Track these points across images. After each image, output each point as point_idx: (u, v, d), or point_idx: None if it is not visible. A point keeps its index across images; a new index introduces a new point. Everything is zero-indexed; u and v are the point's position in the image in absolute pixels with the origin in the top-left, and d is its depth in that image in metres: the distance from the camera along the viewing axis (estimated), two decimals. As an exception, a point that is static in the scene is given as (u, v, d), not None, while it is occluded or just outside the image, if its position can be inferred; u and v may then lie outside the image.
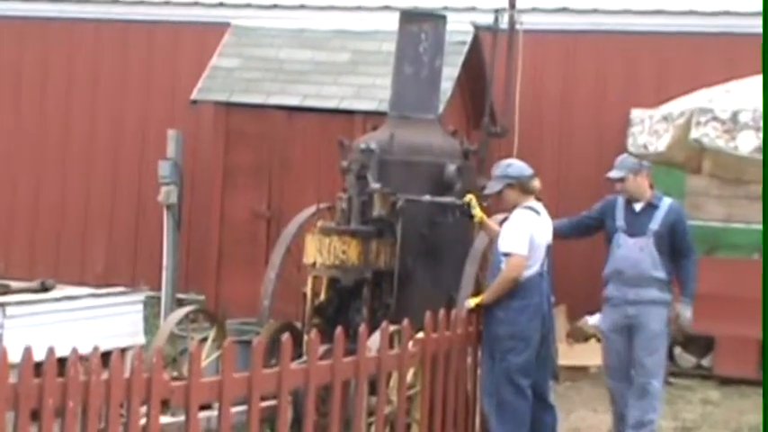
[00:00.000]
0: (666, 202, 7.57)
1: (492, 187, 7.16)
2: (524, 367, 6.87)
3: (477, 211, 7.35)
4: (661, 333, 7.46)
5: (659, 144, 10.49)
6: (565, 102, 12.11)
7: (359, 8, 12.41)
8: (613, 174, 7.61)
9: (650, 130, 10.67)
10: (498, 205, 7.69)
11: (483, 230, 7.48)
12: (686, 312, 7.45)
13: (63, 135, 13.11)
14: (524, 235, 6.91)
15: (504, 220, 7.26)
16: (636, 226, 7.52)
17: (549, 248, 7.11)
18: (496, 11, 10.73)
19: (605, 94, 11.96)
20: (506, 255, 6.92)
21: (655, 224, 7.48)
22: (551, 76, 12.12)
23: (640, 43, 11.90)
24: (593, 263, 11.51)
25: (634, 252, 7.48)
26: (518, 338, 6.87)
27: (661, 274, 7.43)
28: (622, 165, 7.63)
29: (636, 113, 11.06)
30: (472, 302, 7.02)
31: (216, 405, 5.40)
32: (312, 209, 8.08)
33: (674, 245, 7.49)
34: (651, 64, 11.86)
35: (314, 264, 7.43)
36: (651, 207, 7.54)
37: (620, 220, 7.58)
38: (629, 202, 7.59)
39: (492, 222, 7.44)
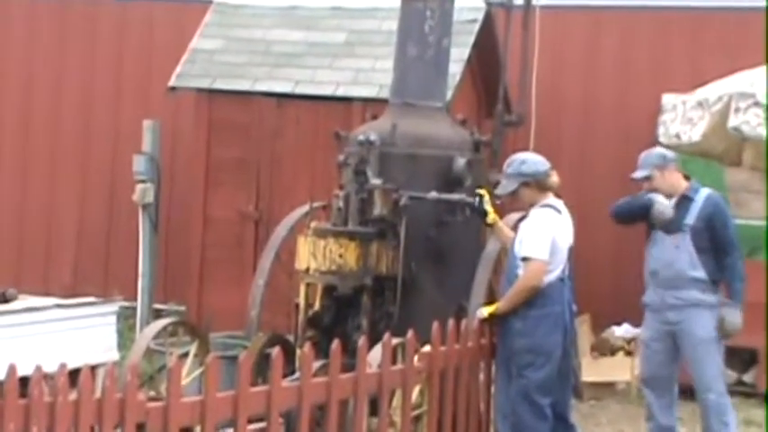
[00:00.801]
0: (703, 193, 7.61)
1: (505, 187, 7.17)
2: (544, 384, 6.89)
3: (491, 211, 7.36)
4: (709, 340, 7.47)
5: (693, 133, 10.51)
6: (588, 86, 12.11)
7: (356, -17, 12.44)
8: (638, 174, 7.66)
9: (684, 117, 10.69)
10: (513, 203, 7.70)
11: (495, 234, 7.50)
12: (733, 317, 7.47)
13: (23, 126, 13.10)
14: (545, 237, 6.93)
15: (521, 219, 7.28)
16: (672, 222, 7.55)
17: (571, 251, 7.12)
18: (511, -16, 10.72)
19: (633, 78, 11.95)
20: (525, 259, 6.93)
21: (690, 218, 7.52)
22: (572, 58, 12.12)
23: (673, 20, 11.90)
24: (619, 266, 11.58)
25: (669, 250, 7.53)
26: (537, 352, 6.89)
27: (700, 273, 7.47)
28: (645, 162, 7.68)
29: (668, 99, 11.08)
30: (485, 312, 7.03)
31: (198, 428, 5.40)
32: (305, 208, 8.08)
33: (714, 240, 7.52)
34: (685, 43, 11.85)
35: (307, 269, 7.45)
36: (686, 200, 7.58)
37: None
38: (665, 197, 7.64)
39: (505, 227, 7.46)
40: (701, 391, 7.50)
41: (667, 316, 7.56)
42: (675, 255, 7.52)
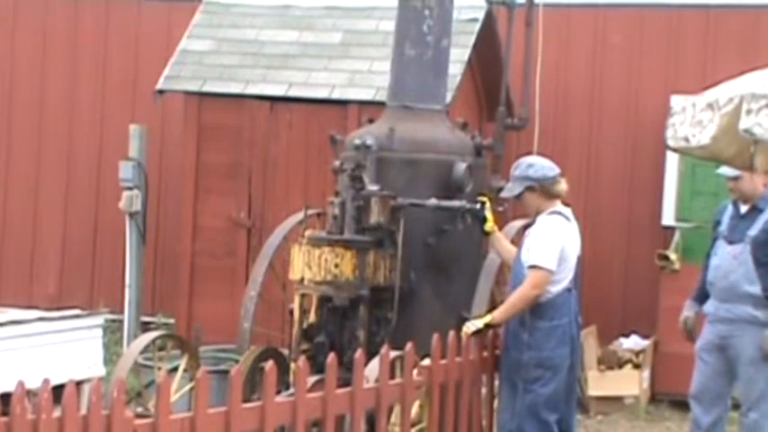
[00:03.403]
0: None
1: (510, 190, 7.18)
2: (552, 399, 6.91)
3: (490, 219, 7.37)
4: (759, 359, 7.41)
5: (703, 136, 10.48)
6: (594, 88, 12.12)
7: (352, -19, 12.45)
8: (726, 170, 7.61)
9: (693, 120, 10.67)
10: (518, 210, 7.71)
11: (491, 245, 7.51)
12: None
13: (4, 130, 13.08)
14: (554, 246, 6.93)
15: (527, 226, 7.29)
16: (736, 231, 7.56)
17: (580, 260, 7.13)
18: (513, -18, 10.74)
19: (642, 79, 11.96)
20: (531, 267, 6.94)
21: (754, 229, 7.50)
22: (578, 58, 12.13)
23: (683, 18, 11.90)
24: (627, 275, 11.60)
25: (726, 261, 7.52)
26: (546, 366, 6.90)
27: (755, 288, 7.41)
28: None
29: (676, 101, 11.01)
30: (479, 323, 6.99)
31: (188, 446, 5.41)
32: (299, 216, 8.10)
33: None
34: (696, 42, 11.86)
35: (302, 280, 7.45)
36: (756, 211, 7.57)
37: (723, 225, 7.66)
38: (737, 204, 7.64)
39: (503, 238, 7.46)
40: (744, 409, 7.49)
41: (719, 329, 7.53)
42: (732, 266, 7.49)
